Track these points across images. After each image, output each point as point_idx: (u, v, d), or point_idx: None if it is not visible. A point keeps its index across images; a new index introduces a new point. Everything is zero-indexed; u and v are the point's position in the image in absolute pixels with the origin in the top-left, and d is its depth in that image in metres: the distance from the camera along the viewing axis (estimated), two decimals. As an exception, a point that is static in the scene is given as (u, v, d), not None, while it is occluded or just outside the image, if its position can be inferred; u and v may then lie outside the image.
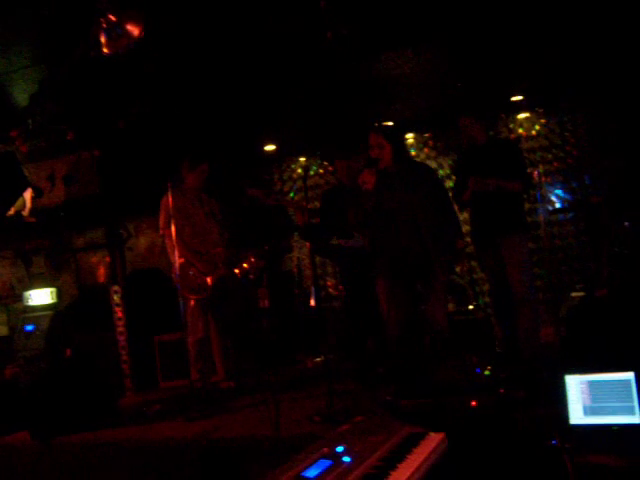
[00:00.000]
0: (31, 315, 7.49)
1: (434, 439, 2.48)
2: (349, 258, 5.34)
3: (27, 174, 6.32)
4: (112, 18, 3.74)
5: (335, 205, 5.27)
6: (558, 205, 7.74)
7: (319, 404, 4.18)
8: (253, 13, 4.91)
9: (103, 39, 3.85)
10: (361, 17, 4.94)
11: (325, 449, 2.33)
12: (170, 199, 4.91)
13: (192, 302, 5.26)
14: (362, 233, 5.08)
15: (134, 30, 3.82)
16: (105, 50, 3.90)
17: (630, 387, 3.01)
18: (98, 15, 3.75)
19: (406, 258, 4.54)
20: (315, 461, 2.21)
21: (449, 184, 5.78)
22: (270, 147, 8.59)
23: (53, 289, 7.52)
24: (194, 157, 5.46)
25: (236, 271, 5.34)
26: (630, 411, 2.98)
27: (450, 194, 5.07)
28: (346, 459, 2.21)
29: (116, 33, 3.79)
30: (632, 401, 2.99)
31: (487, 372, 4.04)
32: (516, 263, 4.91)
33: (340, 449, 2.31)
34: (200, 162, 5.44)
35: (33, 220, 6.86)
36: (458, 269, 6.79)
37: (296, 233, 6.56)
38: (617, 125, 7.13)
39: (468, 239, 5.52)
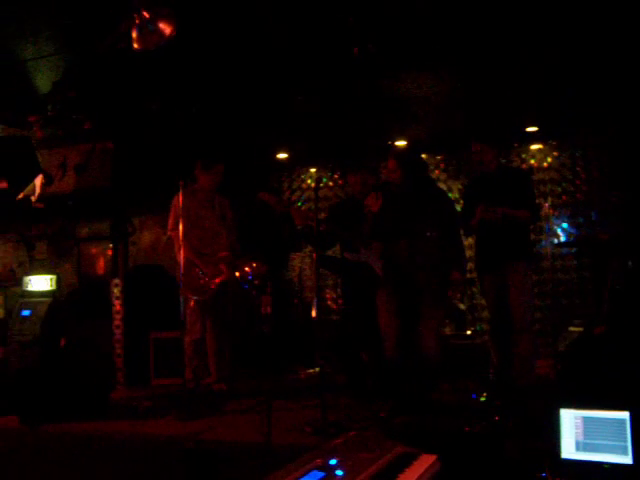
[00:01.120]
0: (29, 300, 7.46)
1: (427, 460, 2.48)
2: (352, 272, 5.35)
3: (40, 160, 6.37)
4: (146, 15, 3.77)
5: (344, 218, 5.29)
6: (563, 239, 7.75)
7: (311, 415, 4.18)
8: (281, 21, 4.95)
9: (135, 35, 3.88)
10: (387, 35, 4.98)
11: (318, 460, 2.33)
12: (180, 199, 4.93)
13: (192, 302, 5.27)
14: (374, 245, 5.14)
15: (166, 28, 3.85)
16: (135, 46, 3.93)
17: (624, 427, 3.00)
18: (132, 10, 3.78)
19: (404, 278, 4.57)
20: (307, 472, 2.21)
21: (458, 209, 5.79)
22: (282, 155, 8.61)
23: (53, 276, 7.50)
24: (209, 157, 5.47)
25: (237, 274, 5.35)
26: (623, 451, 2.98)
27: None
28: (339, 473, 2.21)
29: (148, 30, 3.82)
30: (625, 441, 2.98)
31: (483, 398, 4.04)
32: (518, 291, 4.92)
33: (333, 462, 2.31)
34: (215, 162, 5.45)
35: (41, 206, 6.87)
36: (458, 297, 6.80)
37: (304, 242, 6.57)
38: (626, 165, 7.16)
39: (471, 264, 5.53)
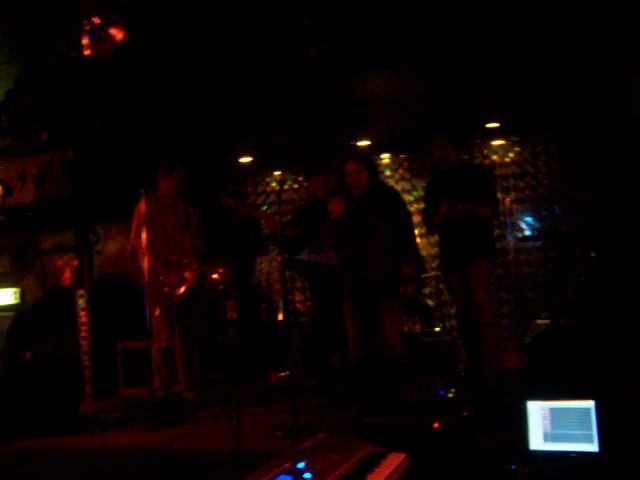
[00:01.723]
0: (-8, 315, 7.32)
1: (395, 459, 2.48)
2: (319, 273, 5.34)
3: (-2, 172, 6.25)
4: (96, 21, 3.72)
5: (308, 220, 5.28)
6: (528, 233, 7.84)
7: (282, 419, 4.17)
8: (235, 23, 4.93)
9: (86, 41, 3.82)
10: (343, 36, 4.98)
11: (286, 465, 2.31)
12: (143, 207, 4.87)
13: (158, 310, 5.22)
14: (333, 249, 5.12)
15: (118, 34, 3.80)
16: (87, 52, 3.87)
17: (590, 415, 3.04)
18: (82, 17, 3.73)
19: (361, 280, 4.60)
20: (275, 476, 2.19)
21: (422, 206, 5.82)
22: (246, 159, 8.58)
23: (16, 289, 7.34)
24: (169, 162, 5.41)
25: (204, 283, 5.32)
26: (589, 439, 3.01)
27: (415, 219, 5.11)
28: (307, 476, 2.19)
29: (99, 36, 3.77)
30: (591, 429, 3.02)
31: (451, 394, 4.07)
32: (483, 287, 4.96)
33: (301, 465, 2.30)
34: (176, 166, 5.39)
35: (1, 218, 6.75)
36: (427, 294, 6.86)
37: (271, 245, 6.55)
38: (587, 157, 7.26)
39: (434, 264, 5.57)
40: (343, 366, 5.03)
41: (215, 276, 5.32)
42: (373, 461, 2.42)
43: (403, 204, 4.93)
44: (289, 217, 5.97)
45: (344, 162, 4.74)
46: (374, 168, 4.95)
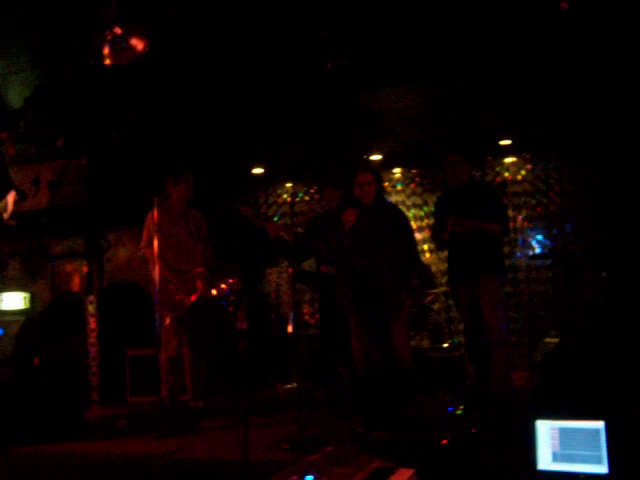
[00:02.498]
0: (1, 319, 7.34)
1: (404, 474, 2.48)
2: (329, 285, 5.35)
3: (12, 177, 6.29)
4: (118, 31, 3.76)
5: (321, 231, 5.31)
6: (538, 250, 7.83)
7: (288, 431, 4.15)
8: (252, 34, 4.97)
9: (107, 51, 3.86)
10: (361, 51, 5.02)
11: (294, 477, 2.31)
12: (155, 216, 4.89)
13: (168, 319, 5.23)
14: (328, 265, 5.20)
15: (138, 44, 3.84)
16: (107, 62, 3.91)
17: (599, 436, 3.02)
18: (104, 26, 3.77)
19: (368, 292, 4.62)
20: (284, 488, 2.20)
21: (432, 221, 5.84)
22: (258, 170, 8.61)
23: (27, 294, 7.39)
24: (177, 170, 5.44)
25: (214, 292, 5.32)
26: (598, 460, 2.99)
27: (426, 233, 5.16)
28: (315, 489, 2.20)
29: (120, 46, 3.80)
30: (600, 450, 3.00)
31: (459, 411, 4.05)
32: (491, 303, 4.96)
33: (309, 478, 2.30)
34: (183, 172, 5.42)
35: (13, 223, 6.78)
36: (427, 299, 6.85)
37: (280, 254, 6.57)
38: (598, 176, 7.26)
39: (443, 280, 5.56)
40: (351, 379, 5.03)
41: (225, 286, 5.33)
42: (381, 476, 2.42)
43: (407, 220, 5.03)
44: (300, 229, 6.00)
45: (356, 173, 4.80)
46: (382, 182, 5.03)
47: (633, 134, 6.23)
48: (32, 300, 7.58)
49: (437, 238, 5.29)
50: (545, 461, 3.11)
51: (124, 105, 5.86)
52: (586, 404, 3.51)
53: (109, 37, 3.79)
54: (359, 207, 4.78)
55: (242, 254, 6.53)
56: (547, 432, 3.13)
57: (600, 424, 3.03)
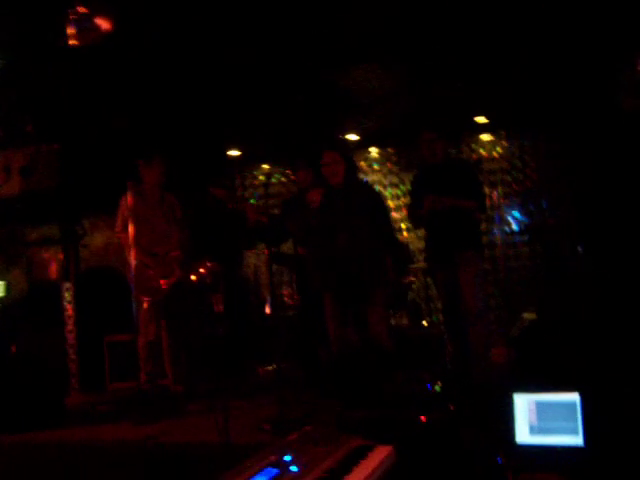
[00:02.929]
0: (-22, 308, 7.26)
1: (382, 452, 2.48)
2: (306, 267, 5.34)
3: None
4: (82, 10, 3.68)
5: (296, 213, 5.29)
6: (515, 227, 7.87)
7: (269, 413, 4.16)
8: (223, 15, 4.90)
9: (72, 31, 3.78)
10: (332, 30, 4.97)
11: (272, 457, 2.31)
12: (129, 200, 4.84)
13: (145, 304, 5.19)
14: (303, 246, 5.19)
15: (104, 24, 3.76)
16: (73, 42, 3.83)
17: (575, 408, 3.06)
18: (68, 6, 3.69)
19: (343, 274, 4.63)
20: (262, 469, 2.19)
21: (409, 200, 5.84)
22: (234, 152, 8.55)
23: (2, 283, 7.31)
24: (148, 152, 5.38)
25: (193, 277, 5.30)
26: (574, 432, 3.04)
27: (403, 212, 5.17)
28: (293, 468, 2.19)
29: (85, 26, 3.73)
30: (576, 422, 3.04)
31: (438, 388, 4.08)
32: (469, 281, 4.98)
33: (287, 458, 2.29)
34: (154, 155, 5.36)
35: (-14, 211, 6.69)
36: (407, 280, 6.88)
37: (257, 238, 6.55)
38: (574, 151, 7.29)
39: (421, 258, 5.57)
40: (330, 359, 5.04)
41: (202, 269, 5.31)
42: (360, 454, 2.43)
43: (381, 199, 5.05)
44: (277, 211, 5.97)
45: (322, 152, 4.78)
46: (352, 163, 4.99)
47: (609, 107, 6.26)
48: (8, 288, 7.50)
49: (414, 216, 5.29)
50: (523, 434, 3.15)
51: (95, 88, 5.76)
52: (562, 377, 3.55)
53: (73, 17, 3.71)
54: (326, 187, 4.76)
55: (219, 237, 6.49)
56: (524, 405, 3.17)
57: (575, 396, 3.07)
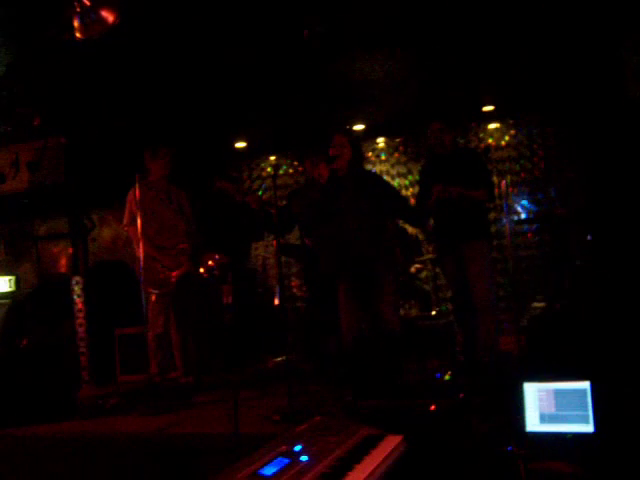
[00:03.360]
0: (-12, 302, 7.31)
1: (392, 441, 2.48)
2: (314, 258, 5.34)
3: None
4: (87, 2, 3.67)
5: (303, 203, 5.28)
6: (524, 216, 7.84)
7: (279, 403, 4.16)
8: (232, 8, 4.89)
9: (77, 23, 3.78)
10: (338, 17, 4.95)
11: (283, 447, 2.31)
12: (137, 193, 4.84)
13: (154, 297, 5.21)
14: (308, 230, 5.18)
15: (109, 16, 3.75)
16: (78, 35, 3.83)
17: (585, 396, 3.06)
18: (73, -1, 3.69)
19: (350, 257, 4.62)
20: (272, 459, 2.20)
21: (417, 190, 5.83)
22: (240, 144, 8.54)
23: (12, 277, 7.36)
24: (154, 144, 5.38)
25: (201, 270, 5.31)
26: (585, 420, 3.03)
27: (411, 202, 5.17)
28: (304, 458, 2.20)
29: (90, 18, 3.72)
30: (587, 410, 3.04)
31: (447, 377, 4.08)
32: (478, 270, 4.97)
33: (298, 448, 2.30)
34: (159, 147, 5.36)
35: (-5, 205, 6.72)
36: (414, 269, 6.87)
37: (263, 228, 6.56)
38: (582, 139, 7.25)
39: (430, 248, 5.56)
40: (339, 349, 5.04)
41: (210, 262, 5.31)
42: (370, 443, 2.43)
43: (386, 182, 5.09)
44: (284, 202, 5.97)
45: (333, 135, 4.81)
46: (359, 149, 4.98)
47: (616, 95, 6.21)
48: (18, 283, 7.55)
49: (422, 206, 5.27)
50: (533, 422, 3.14)
51: (101, 81, 5.76)
52: (572, 366, 3.54)
53: (78, 9, 3.70)
54: (332, 169, 4.77)
55: (226, 229, 6.49)
56: (534, 394, 3.16)
57: (586, 384, 3.06)
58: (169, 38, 5.33)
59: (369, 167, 8.36)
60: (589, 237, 6.32)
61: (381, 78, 6.45)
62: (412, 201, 7.74)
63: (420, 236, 7.85)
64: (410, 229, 7.83)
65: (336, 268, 4.76)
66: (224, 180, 4.88)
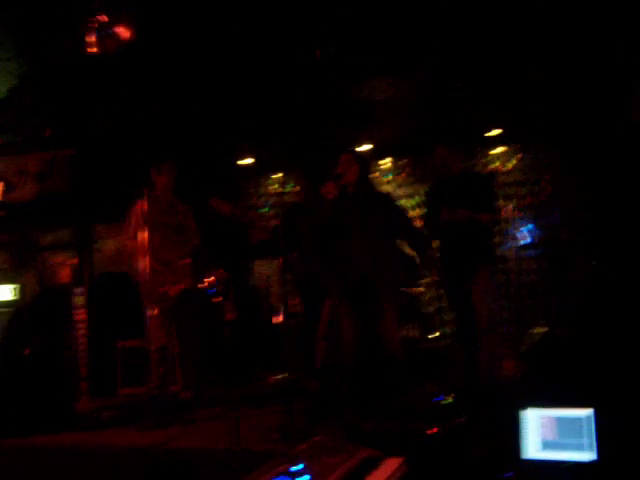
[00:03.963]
0: (-10, 311, 7.30)
1: (392, 464, 2.47)
2: (310, 278, 5.33)
3: (-1, 168, 6.25)
4: (104, 18, 3.71)
5: (296, 223, 5.26)
6: (528, 240, 7.83)
7: (278, 421, 4.15)
8: (238, 23, 4.93)
9: (92, 39, 3.82)
10: (350, 39, 4.99)
11: (282, 467, 2.31)
12: (145, 207, 4.86)
13: (155, 310, 5.20)
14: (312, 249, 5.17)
15: (125, 33, 3.80)
16: (93, 50, 3.86)
17: (588, 424, 3.03)
18: (90, 14, 3.72)
19: (355, 279, 4.63)
20: (273, 478, 2.19)
21: (423, 211, 5.84)
22: (247, 161, 8.57)
23: (16, 286, 7.35)
24: (160, 159, 5.41)
25: (203, 285, 5.31)
26: (587, 448, 3.00)
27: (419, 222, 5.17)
28: (304, 478, 2.19)
29: (106, 34, 3.76)
30: (589, 438, 3.01)
31: (449, 400, 4.06)
32: (482, 294, 4.96)
33: (298, 468, 2.30)
34: (165, 161, 5.38)
35: (1, 214, 6.74)
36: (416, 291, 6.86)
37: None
38: (588, 165, 7.27)
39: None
40: (340, 370, 5.03)
41: (213, 277, 5.32)
42: (370, 465, 2.42)
43: (396, 205, 5.09)
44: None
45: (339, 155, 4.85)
46: (366, 168, 5.00)
47: (622, 121, 6.24)
48: (21, 292, 7.54)
49: (429, 228, 5.29)
50: (534, 449, 3.12)
51: (111, 95, 5.81)
52: (574, 392, 3.52)
53: (95, 25, 3.74)
54: (341, 187, 4.79)
55: (229, 245, 6.50)
56: (536, 420, 3.14)
57: (589, 411, 3.04)
58: (178, 54, 5.38)
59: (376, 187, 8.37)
60: (594, 263, 6.32)
61: (390, 99, 6.50)
62: (418, 222, 7.77)
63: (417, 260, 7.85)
64: (409, 250, 7.84)
65: (339, 286, 4.76)
66: (219, 199, 4.89)
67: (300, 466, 2.30)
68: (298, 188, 8.92)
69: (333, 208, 4.77)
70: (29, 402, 4.78)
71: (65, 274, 8.02)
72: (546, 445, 3.10)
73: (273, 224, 5.67)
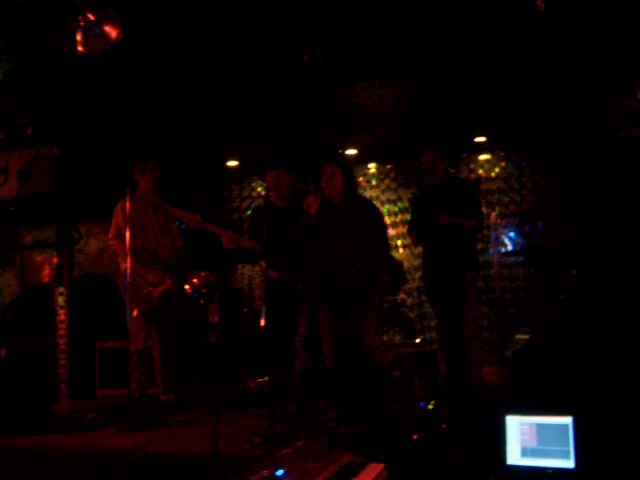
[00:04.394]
0: (-31, 310, 7.22)
1: (374, 469, 2.47)
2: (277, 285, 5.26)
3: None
4: (91, 17, 3.68)
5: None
6: (511, 247, 7.89)
7: (260, 425, 4.13)
8: (231, 28, 4.93)
9: (79, 37, 3.78)
10: (338, 43, 5.00)
11: (265, 472, 2.30)
12: (127, 207, 4.82)
13: (136, 311, 5.16)
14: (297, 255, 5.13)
15: (112, 32, 3.77)
16: (80, 49, 3.83)
17: (567, 432, 3.06)
18: (77, 13, 3.69)
19: (337, 287, 4.62)
20: (254, 483, 2.18)
21: (407, 217, 5.86)
22: (232, 163, 8.55)
23: (-5, 285, 7.28)
24: (144, 159, 5.37)
25: (186, 287, 5.27)
26: (566, 455, 3.03)
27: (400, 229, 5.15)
28: (286, 483, 2.19)
29: (93, 33, 3.73)
30: (568, 445, 3.04)
31: (430, 406, 4.07)
32: (465, 300, 4.99)
33: (280, 473, 2.29)
34: (149, 161, 5.35)
35: (-17, 212, 6.67)
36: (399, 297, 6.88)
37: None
38: (570, 176, 7.33)
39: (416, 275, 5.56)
40: (322, 373, 5.01)
41: (196, 279, 5.29)
42: (352, 471, 2.42)
43: (380, 216, 4.99)
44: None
45: (324, 164, 4.79)
46: (351, 177, 4.95)
47: (607, 134, 6.30)
48: (0, 291, 7.46)
49: (413, 233, 5.31)
50: (514, 456, 3.14)
51: (96, 94, 5.77)
52: (555, 400, 3.54)
53: (82, 23, 3.71)
54: (321, 196, 4.75)
55: (212, 247, 6.47)
56: (517, 427, 3.16)
57: (568, 419, 3.07)
58: (164, 53, 5.36)
59: (360, 192, 8.38)
60: (574, 271, 6.37)
61: (375, 105, 6.52)
62: (401, 227, 7.80)
63: (406, 263, 7.87)
64: (396, 254, 7.86)
65: (322, 294, 4.74)
66: (215, 225, 4.86)
67: (281, 471, 2.29)
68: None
69: (317, 220, 4.72)
70: (6, 403, 4.71)
71: (46, 273, 7.95)
72: (526, 452, 3.12)
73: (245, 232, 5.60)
